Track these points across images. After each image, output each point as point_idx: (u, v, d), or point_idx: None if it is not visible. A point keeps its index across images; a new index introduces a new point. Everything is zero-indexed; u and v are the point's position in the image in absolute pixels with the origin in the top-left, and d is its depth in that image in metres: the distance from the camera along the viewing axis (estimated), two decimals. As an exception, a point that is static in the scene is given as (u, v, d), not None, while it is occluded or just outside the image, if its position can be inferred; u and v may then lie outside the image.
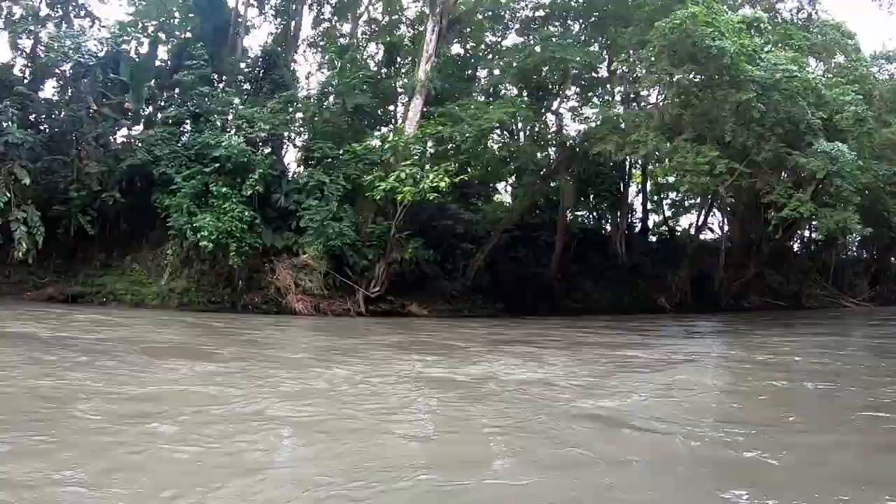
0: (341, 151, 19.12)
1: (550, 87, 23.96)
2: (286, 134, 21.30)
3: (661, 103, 21.95)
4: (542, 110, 24.46)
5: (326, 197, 18.12)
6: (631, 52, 21.43)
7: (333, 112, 21.18)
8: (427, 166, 18.98)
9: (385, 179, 17.17)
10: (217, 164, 17.60)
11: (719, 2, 20.97)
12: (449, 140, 19.48)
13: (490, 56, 25.81)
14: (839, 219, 19.27)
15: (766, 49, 20.41)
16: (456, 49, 27.43)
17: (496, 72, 24.51)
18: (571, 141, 23.91)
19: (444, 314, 19.58)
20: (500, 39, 26.18)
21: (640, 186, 32.28)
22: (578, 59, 20.57)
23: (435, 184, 16.93)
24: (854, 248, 42.75)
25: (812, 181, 19.68)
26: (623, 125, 20.35)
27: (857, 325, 21.08)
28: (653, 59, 19.72)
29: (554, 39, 21.60)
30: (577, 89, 24.94)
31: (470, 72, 26.09)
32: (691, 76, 20.12)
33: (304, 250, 18.08)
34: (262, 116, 18.84)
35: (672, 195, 33.87)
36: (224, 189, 17.25)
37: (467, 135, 18.92)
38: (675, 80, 19.85)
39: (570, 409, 5.83)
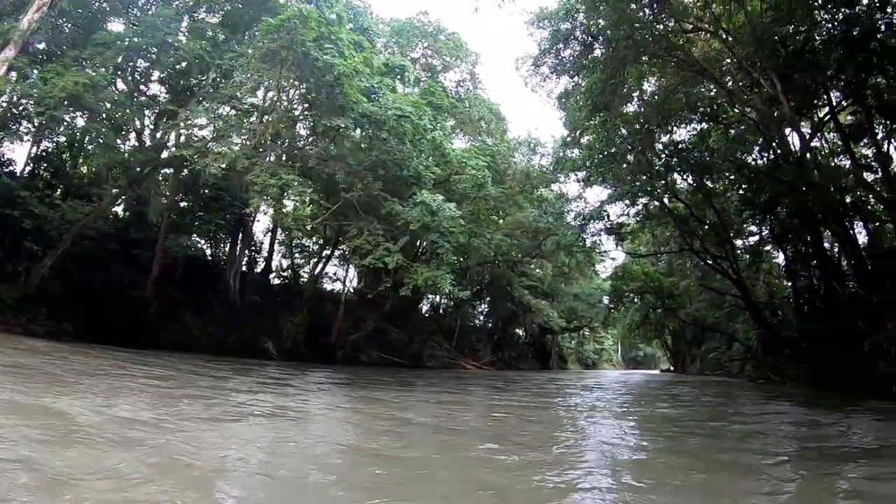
0: None
1: (192, 84, 25.31)
2: None
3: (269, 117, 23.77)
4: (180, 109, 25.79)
5: None
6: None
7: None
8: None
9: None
10: None
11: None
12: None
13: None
14: (430, 276, 22.14)
15: (400, 93, 23.78)
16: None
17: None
18: (171, 150, 25.44)
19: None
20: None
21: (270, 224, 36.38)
22: (190, 49, 22.20)
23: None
24: (481, 316, 53.89)
25: (408, 232, 22.45)
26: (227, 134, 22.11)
27: (476, 385, 23.71)
28: (253, 61, 21.44)
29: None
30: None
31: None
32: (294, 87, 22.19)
33: None
34: None
35: (306, 241, 38.58)
36: None
37: (45, 100, 19.00)
38: (276, 89, 21.95)
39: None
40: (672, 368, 64.93)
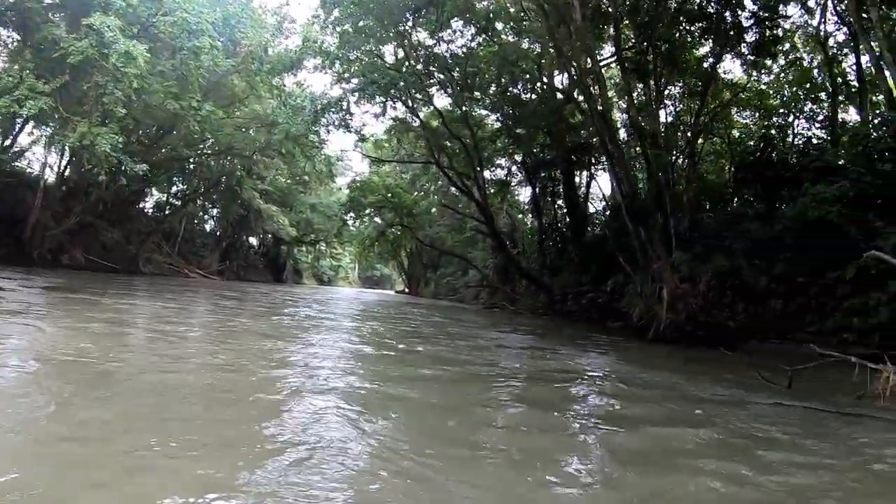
0: None
1: None
2: None
3: None
4: None
5: None
6: None
7: None
8: None
9: None
10: None
11: None
12: None
13: None
14: (86, 132, 18.24)
15: None
16: None
17: None
18: None
19: None
20: None
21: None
22: None
23: None
24: (211, 221, 50.56)
25: (68, 69, 18.39)
26: None
27: (202, 295, 22.63)
28: None
29: None
30: None
31: None
32: None
33: None
34: None
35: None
36: None
37: None
38: None
39: None
40: (407, 290, 66.68)
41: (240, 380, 6.39)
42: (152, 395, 5.33)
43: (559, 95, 30.74)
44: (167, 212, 43.03)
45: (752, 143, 23.15)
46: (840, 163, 16.04)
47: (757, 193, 20.25)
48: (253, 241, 57.69)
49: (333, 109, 29.31)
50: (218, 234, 50.65)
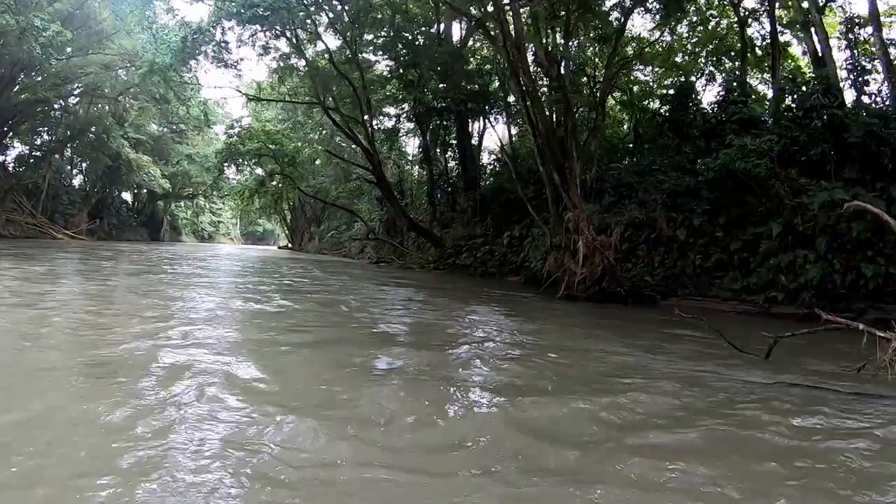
0: None
1: None
2: None
3: None
4: None
5: None
6: None
7: None
8: None
9: None
10: None
11: None
12: None
13: None
14: None
15: None
16: None
17: None
18: None
19: None
20: None
21: None
22: None
23: None
24: (80, 176, 46.07)
25: None
26: None
27: (71, 257, 21.45)
28: None
29: None
30: None
31: None
32: None
33: None
34: None
35: None
36: None
37: None
38: None
39: None
40: (290, 246, 64.20)
41: (106, 342, 6.07)
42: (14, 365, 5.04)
43: (455, 38, 29.34)
44: (25, 167, 38.85)
45: (666, 93, 23.04)
46: (764, 118, 15.72)
47: (668, 146, 19.54)
48: (126, 196, 53.85)
49: (206, 38, 25.24)
50: (87, 189, 46.28)
